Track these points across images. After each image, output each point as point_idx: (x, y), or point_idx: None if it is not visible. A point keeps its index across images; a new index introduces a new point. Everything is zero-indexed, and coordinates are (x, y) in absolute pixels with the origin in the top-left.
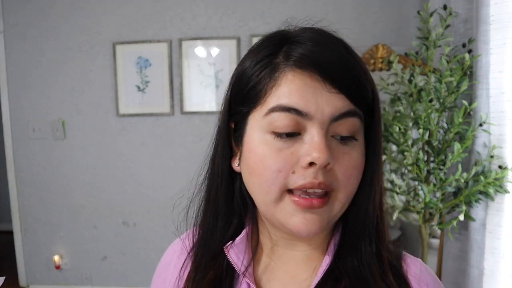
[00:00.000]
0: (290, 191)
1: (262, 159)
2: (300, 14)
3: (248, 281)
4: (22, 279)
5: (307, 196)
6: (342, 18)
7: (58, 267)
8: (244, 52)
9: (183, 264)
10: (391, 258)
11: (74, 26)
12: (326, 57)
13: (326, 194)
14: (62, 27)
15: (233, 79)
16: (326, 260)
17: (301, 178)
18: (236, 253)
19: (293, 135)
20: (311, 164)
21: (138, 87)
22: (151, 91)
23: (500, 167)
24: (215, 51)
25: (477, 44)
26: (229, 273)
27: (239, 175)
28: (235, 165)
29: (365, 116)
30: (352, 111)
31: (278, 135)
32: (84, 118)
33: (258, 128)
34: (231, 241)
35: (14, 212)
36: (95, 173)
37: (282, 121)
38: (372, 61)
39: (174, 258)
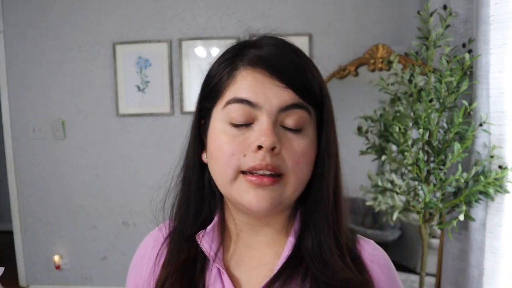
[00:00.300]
0: (244, 172)
1: (220, 145)
2: (300, 14)
3: (218, 266)
4: (22, 279)
5: (258, 175)
6: (342, 18)
7: (58, 267)
8: None
9: (158, 253)
10: (348, 241)
11: (74, 26)
12: (275, 57)
13: (278, 176)
14: (62, 27)
15: (202, 82)
16: (289, 244)
17: (251, 160)
18: (207, 241)
19: (246, 125)
20: (260, 147)
21: (138, 87)
22: (151, 91)
23: (500, 167)
24: (215, 51)
25: (477, 44)
26: (201, 259)
27: (207, 167)
28: (204, 157)
29: (317, 111)
30: (298, 103)
31: (234, 125)
32: (84, 118)
33: (218, 120)
34: (203, 230)
35: (14, 212)
36: (95, 173)
37: (237, 111)
38: (372, 61)
39: (149, 250)
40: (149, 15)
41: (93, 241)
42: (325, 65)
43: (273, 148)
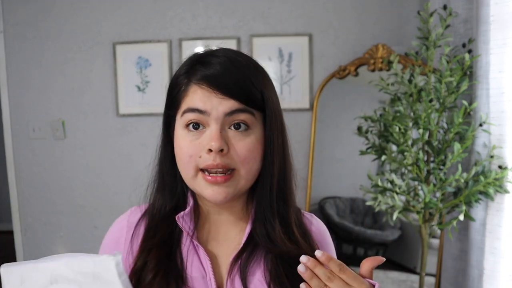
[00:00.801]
0: (202, 170)
1: (181, 148)
2: (300, 14)
3: (194, 241)
4: None
5: (213, 174)
6: (342, 18)
7: None
8: (244, 52)
9: (133, 234)
10: (295, 219)
11: (74, 26)
12: (218, 75)
13: (230, 172)
14: (62, 27)
15: (168, 87)
16: (247, 228)
17: (205, 161)
18: (186, 221)
19: (199, 128)
20: (210, 150)
21: (138, 87)
22: (151, 91)
23: (500, 167)
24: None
25: (477, 44)
26: (176, 235)
27: None
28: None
29: (262, 112)
30: (241, 109)
31: (190, 130)
32: (84, 118)
33: (178, 126)
34: (182, 212)
35: (14, 212)
36: (95, 173)
37: (189, 117)
38: (372, 61)
39: (124, 233)
40: (149, 15)
41: (93, 241)
42: (325, 65)
43: (221, 150)
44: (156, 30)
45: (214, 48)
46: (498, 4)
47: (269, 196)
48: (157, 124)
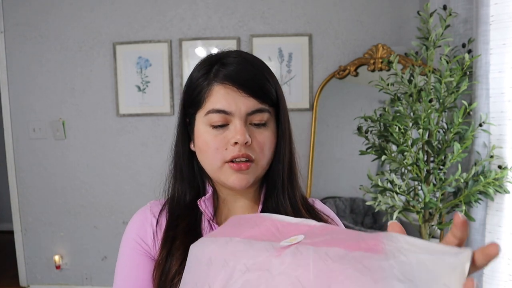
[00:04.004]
0: (227, 162)
1: (206, 142)
2: (300, 14)
3: (213, 224)
4: (23, 279)
5: (237, 162)
6: (342, 18)
7: (58, 267)
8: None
9: (157, 222)
10: (303, 200)
11: (74, 26)
12: (239, 73)
13: (251, 162)
14: (62, 27)
15: (184, 88)
16: (259, 208)
17: (231, 152)
18: (206, 205)
19: (223, 126)
20: (236, 143)
21: (138, 87)
22: (151, 91)
23: (499, 167)
24: (215, 51)
25: (477, 44)
26: (199, 220)
27: (195, 153)
28: (192, 147)
29: (275, 109)
30: (260, 108)
31: (214, 127)
32: (84, 118)
33: (201, 123)
34: (204, 196)
35: (14, 212)
36: (95, 173)
37: (215, 118)
38: (372, 61)
39: (149, 218)
40: (149, 15)
41: (93, 241)
42: (325, 65)
43: (246, 142)
44: (156, 30)
45: (227, 50)
46: (498, 4)
47: (281, 181)
48: (157, 124)
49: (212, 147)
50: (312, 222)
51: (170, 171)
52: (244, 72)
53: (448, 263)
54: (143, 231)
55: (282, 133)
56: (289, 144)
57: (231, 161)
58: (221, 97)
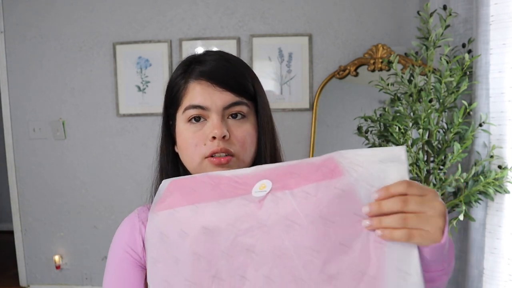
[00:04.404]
0: (206, 157)
1: (185, 140)
2: (300, 14)
3: None
4: (23, 279)
5: (217, 156)
6: (342, 18)
7: (58, 267)
8: (244, 52)
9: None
10: None
11: (74, 26)
12: (214, 69)
13: (231, 156)
14: (62, 27)
15: (166, 90)
16: None
17: (210, 147)
18: None
19: (201, 120)
20: (214, 137)
21: (138, 87)
22: (151, 91)
23: (499, 167)
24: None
25: (477, 44)
26: None
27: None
28: (176, 149)
29: (255, 104)
30: (237, 101)
31: (192, 123)
32: (84, 118)
33: (181, 121)
34: None
35: (14, 212)
36: (95, 173)
37: (192, 114)
38: (372, 61)
39: (137, 226)
40: (149, 15)
41: (93, 241)
42: (325, 65)
43: (224, 136)
44: (156, 30)
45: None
46: (498, 4)
47: None
48: (157, 124)
49: (192, 144)
50: (265, 166)
51: (155, 175)
52: (219, 68)
53: (387, 152)
54: (132, 239)
55: (262, 127)
56: (272, 139)
57: (211, 156)
58: (196, 93)
